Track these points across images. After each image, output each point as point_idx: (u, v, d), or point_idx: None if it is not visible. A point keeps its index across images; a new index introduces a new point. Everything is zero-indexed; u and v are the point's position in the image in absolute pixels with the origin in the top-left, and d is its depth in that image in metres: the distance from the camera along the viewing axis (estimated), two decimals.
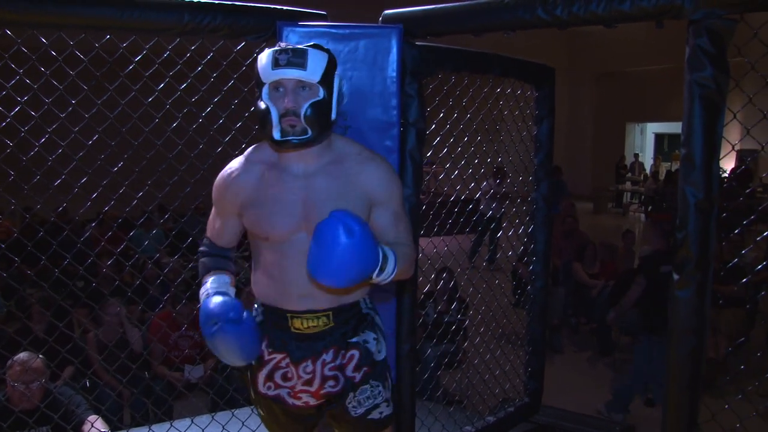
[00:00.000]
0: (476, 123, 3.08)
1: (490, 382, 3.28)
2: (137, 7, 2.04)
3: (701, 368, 1.92)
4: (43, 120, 2.28)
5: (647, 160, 18.37)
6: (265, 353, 1.80)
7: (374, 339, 1.82)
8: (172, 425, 2.77)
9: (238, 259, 3.47)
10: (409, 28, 2.28)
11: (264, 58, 1.61)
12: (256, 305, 1.87)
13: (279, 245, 1.72)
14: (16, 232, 3.00)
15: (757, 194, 7.91)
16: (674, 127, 14.83)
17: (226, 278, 1.81)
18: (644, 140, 19.16)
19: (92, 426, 2.87)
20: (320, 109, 1.60)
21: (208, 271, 1.82)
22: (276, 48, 1.61)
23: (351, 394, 1.79)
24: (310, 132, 1.59)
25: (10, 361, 2.91)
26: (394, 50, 2.23)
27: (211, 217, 1.88)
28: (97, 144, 2.41)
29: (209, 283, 1.78)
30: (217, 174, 1.81)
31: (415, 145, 2.36)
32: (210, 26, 2.14)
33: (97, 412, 3.01)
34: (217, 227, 1.86)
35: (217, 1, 2.14)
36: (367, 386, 1.80)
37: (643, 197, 14.90)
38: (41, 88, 2.26)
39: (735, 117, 2.00)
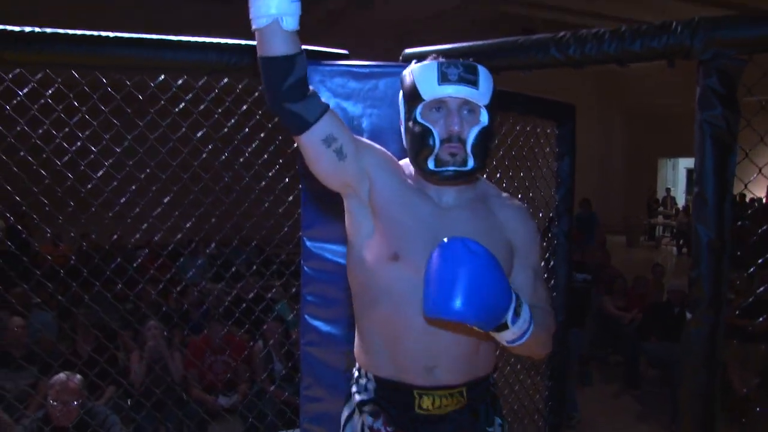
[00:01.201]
0: (507, 158, 3.15)
1: (519, 412, 3.29)
2: (170, 47, 2.16)
3: (715, 404, 1.92)
4: (100, 154, 2.42)
5: (679, 194, 18.24)
6: (382, 430, 1.45)
7: (500, 425, 1.52)
8: None
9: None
10: None
11: (425, 70, 1.39)
12: (358, 376, 1.53)
13: (406, 282, 1.36)
14: (72, 259, 3.17)
15: None
16: None
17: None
18: (676, 175, 19.09)
19: None
20: (486, 137, 1.37)
21: None
22: (441, 60, 1.40)
23: None
24: (471, 163, 1.35)
25: (51, 381, 3.04)
26: None
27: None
28: (148, 177, 2.54)
29: None
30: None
31: None
32: (237, 65, 2.25)
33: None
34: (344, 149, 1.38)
35: (243, 42, 2.25)
36: None
37: (674, 231, 14.77)
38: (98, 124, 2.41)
39: (747, 156, 2.02)
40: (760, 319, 4.30)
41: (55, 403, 3.02)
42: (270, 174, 2.69)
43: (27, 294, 5.06)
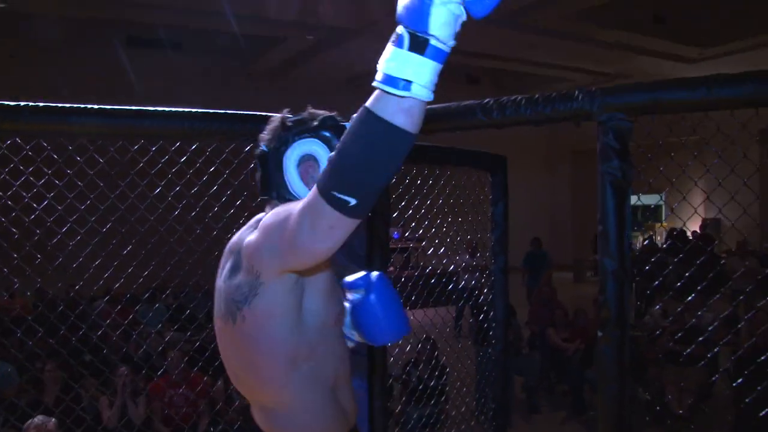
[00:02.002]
0: (447, 205, 3.52)
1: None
2: (148, 116, 2.46)
3: (626, 412, 2.25)
4: (65, 211, 2.69)
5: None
6: None
7: None
8: None
9: None
10: None
11: None
12: None
13: (332, 349, 1.67)
14: (29, 318, 3.38)
15: (720, 258, 8.44)
16: (650, 199, 15.53)
17: None
18: None
19: None
20: None
21: None
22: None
23: None
24: None
25: (26, 425, 3.21)
26: None
27: None
28: (109, 231, 2.82)
29: None
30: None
31: (381, 227, 2.74)
32: (207, 131, 2.56)
33: None
34: None
35: (213, 111, 2.57)
36: None
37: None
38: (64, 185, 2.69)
39: (696, 184, 2.42)
40: (693, 345, 4.74)
41: None
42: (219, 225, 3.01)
43: None
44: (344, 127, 1.41)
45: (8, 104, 2.26)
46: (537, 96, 2.33)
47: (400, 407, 4.92)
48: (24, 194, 2.71)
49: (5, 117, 2.28)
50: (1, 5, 8.70)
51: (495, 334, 3.33)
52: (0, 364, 5.27)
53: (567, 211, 18.88)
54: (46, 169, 2.66)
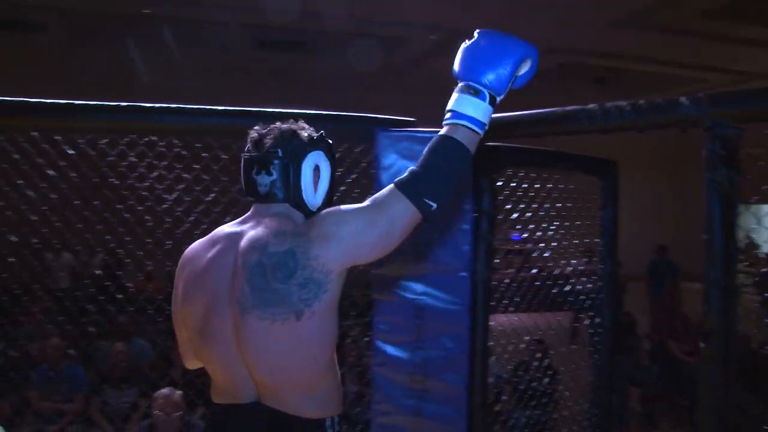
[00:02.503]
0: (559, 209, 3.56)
1: None
2: (265, 117, 2.67)
3: (729, 428, 2.20)
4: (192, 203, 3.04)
5: (763, 241, 17.70)
6: None
7: None
8: None
9: None
10: None
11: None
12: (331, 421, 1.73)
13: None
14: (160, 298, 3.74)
15: None
16: None
17: None
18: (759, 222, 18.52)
19: None
20: None
21: None
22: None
23: None
24: None
25: (155, 395, 3.57)
26: None
27: None
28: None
29: None
30: None
31: (487, 230, 2.81)
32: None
33: None
34: None
35: (326, 112, 2.75)
36: None
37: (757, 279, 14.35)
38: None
39: None
40: None
41: (163, 414, 3.53)
42: None
43: (128, 324, 5.74)
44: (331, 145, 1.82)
45: (144, 105, 2.57)
46: (642, 102, 2.33)
47: (499, 407, 4.93)
48: (157, 187, 3.07)
49: (141, 116, 2.61)
50: None
51: (601, 341, 3.31)
52: (136, 340, 5.83)
53: (698, 218, 17.87)
54: (177, 165, 2.98)
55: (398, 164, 2.76)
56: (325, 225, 1.62)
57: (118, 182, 3.14)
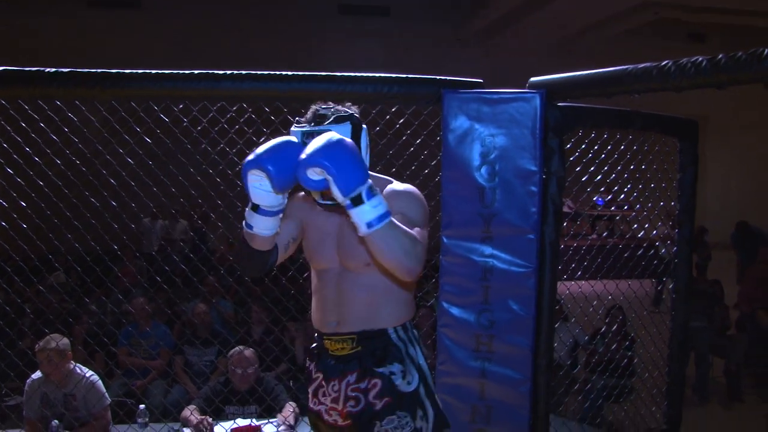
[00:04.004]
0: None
1: (647, 416, 3.56)
2: (336, 81, 2.72)
3: None
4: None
5: None
6: (313, 372, 2.05)
7: (401, 371, 1.92)
8: None
9: None
10: (551, 92, 2.71)
11: (294, 137, 1.79)
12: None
13: (320, 273, 2.01)
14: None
15: None
16: None
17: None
18: None
19: (293, 410, 3.60)
20: None
21: None
22: (304, 129, 1.80)
23: (378, 423, 1.88)
24: None
25: (230, 353, 3.73)
26: (537, 111, 2.68)
27: None
28: None
29: None
30: None
31: (556, 192, 2.77)
32: (389, 94, 2.75)
33: (296, 400, 3.76)
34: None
35: (394, 75, 2.75)
36: (394, 416, 1.88)
37: None
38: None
39: None
40: None
41: (238, 370, 3.70)
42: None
43: (214, 285, 5.98)
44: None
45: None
46: (720, 57, 2.20)
47: (583, 376, 4.88)
48: (247, 150, 3.17)
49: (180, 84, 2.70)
50: None
51: (677, 307, 3.22)
52: (222, 300, 6.10)
53: None
54: (265, 129, 3.07)
55: (466, 126, 2.75)
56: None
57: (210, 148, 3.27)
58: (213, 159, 3.30)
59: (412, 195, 1.94)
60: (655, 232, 3.96)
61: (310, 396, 2.05)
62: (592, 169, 3.32)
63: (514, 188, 2.73)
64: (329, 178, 1.55)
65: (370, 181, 1.60)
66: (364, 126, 1.88)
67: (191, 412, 3.50)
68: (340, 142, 1.59)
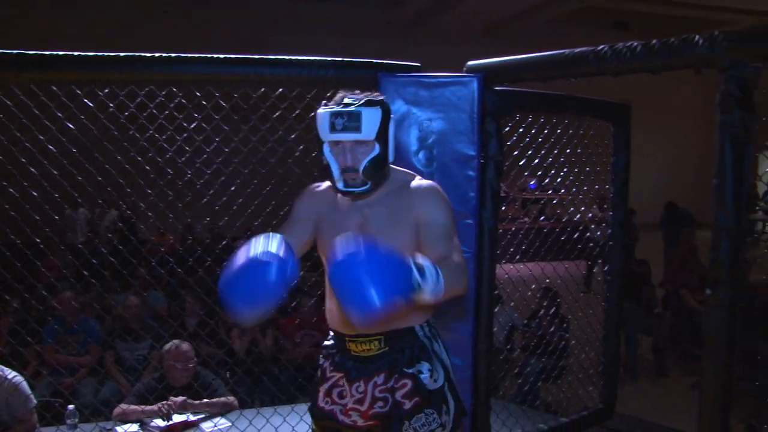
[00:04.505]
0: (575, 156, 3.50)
1: (583, 395, 3.63)
2: (269, 64, 2.63)
3: (732, 377, 2.18)
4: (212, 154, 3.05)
5: None
6: (328, 371, 1.98)
7: (428, 370, 1.88)
8: (293, 409, 3.35)
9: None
10: (489, 76, 2.69)
11: (321, 119, 1.77)
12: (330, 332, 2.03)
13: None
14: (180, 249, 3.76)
15: None
16: None
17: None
18: None
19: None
20: (377, 163, 1.78)
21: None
22: (332, 110, 1.75)
23: (406, 423, 1.84)
24: (369, 184, 1.79)
25: (166, 347, 3.60)
26: (475, 95, 2.66)
27: (285, 225, 1.97)
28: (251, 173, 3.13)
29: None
30: None
31: (494, 176, 2.76)
32: (325, 78, 2.68)
33: (233, 393, 3.70)
34: (289, 228, 1.92)
35: (330, 59, 2.68)
36: (422, 415, 1.85)
37: None
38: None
39: None
40: None
41: (177, 365, 3.57)
42: None
43: (144, 277, 5.78)
44: None
45: (151, 55, 2.52)
46: (654, 42, 2.23)
47: (521, 359, 4.95)
48: (177, 137, 3.05)
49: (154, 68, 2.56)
50: None
51: (610, 288, 3.28)
52: (154, 292, 5.90)
53: None
54: (196, 115, 2.97)
55: (403, 110, 2.71)
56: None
57: (138, 135, 3.12)
58: (141, 146, 3.16)
59: (438, 196, 1.88)
60: (590, 215, 4.03)
61: (320, 395, 1.98)
62: (529, 153, 3.34)
63: (452, 173, 2.71)
64: (398, 299, 1.46)
65: (412, 265, 1.50)
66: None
67: (124, 409, 3.39)
68: (368, 271, 1.44)
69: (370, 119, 1.75)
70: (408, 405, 1.84)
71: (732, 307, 2.13)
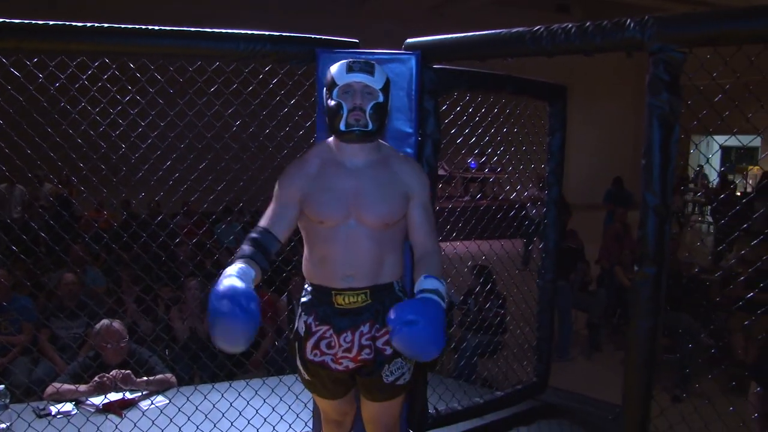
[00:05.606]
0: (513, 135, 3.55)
1: (518, 370, 3.72)
2: (204, 37, 2.56)
3: (655, 352, 2.26)
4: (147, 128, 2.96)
5: (712, 172, 18.11)
6: (313, 325, 2.10)
7: None
8: (231, 385, 3.31)
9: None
10: (427, 54, 2.70)
11: (338, 66, 2.00)
12: (306, 286, 2.18)
13: (330, 230, 2.01)
14: (115, 225, 3.67)
15: None
16: (743, 141, 14.72)
17: (253, 273, 1.86)
18: (710, 153, 18.88)
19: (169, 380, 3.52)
20: (380, 109, 1.99)
21: (242, 257, 1.90)
22: (350, 59, 2.02)
23: (386, 366, 2.09)
24: (371, 125, 1.96)
25: (96, 327, 3.53)
26: (413, 72, 2.67)
27: (269, 207, 2.08)
28: (187, 147, 3.07)
29: (236, 266, 1.83)
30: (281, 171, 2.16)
31: (431, 154, 2.78)
32: (261, 52, 2.63)
33: (171, 371, 3.65)
34: (275, 213, 2.04)
35: (267, 33, 2.64)
36: (399, 359, 2.09)
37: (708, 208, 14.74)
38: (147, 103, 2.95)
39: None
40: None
41: (108, 345, 3.51)
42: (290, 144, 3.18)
43: (81, 254, 5.63)
44: None
45: (87, 25, 2.43)
46: (588, 24, 2.28)
47: (458, 334, 5.03)
48: (111, 110, 2.96)
49: (86, 38, 2.47)
50: None
51: (545, 266, 3.36)
52: (90, 268, 5.77)
53: None
54: (129, 87, 2.88)
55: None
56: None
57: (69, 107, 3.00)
58: (74, 119, 3.04)
59: (422, 171, 2.21)
60: (526, 193, 4.10)
61: (308, 348, 2.12)
62: (466, 131, 3.37)
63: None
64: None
65: (443, 304, 1.86)
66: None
67: (57, 388, 3.32)
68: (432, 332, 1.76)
69: (380, 72, 2.02)
70: (389, 351, 2.07)
71: (657, 283, 2.21)
